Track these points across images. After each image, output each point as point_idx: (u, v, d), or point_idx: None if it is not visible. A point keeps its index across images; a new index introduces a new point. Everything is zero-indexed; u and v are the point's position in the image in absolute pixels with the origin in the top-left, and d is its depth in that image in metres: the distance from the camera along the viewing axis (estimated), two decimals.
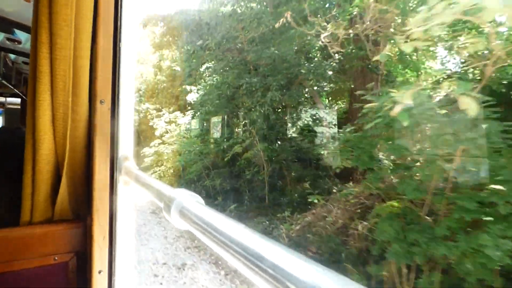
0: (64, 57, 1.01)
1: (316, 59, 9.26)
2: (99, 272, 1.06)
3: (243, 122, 9.77)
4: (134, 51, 1.14)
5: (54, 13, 0.98)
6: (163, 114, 14.26)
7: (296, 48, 8.88)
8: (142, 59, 17.28)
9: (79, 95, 1.06)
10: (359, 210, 5.78)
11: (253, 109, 8.78)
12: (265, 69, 8.59)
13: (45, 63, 1.00)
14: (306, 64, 8.48)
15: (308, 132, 9.01)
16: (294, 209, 7.32)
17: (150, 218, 8.59)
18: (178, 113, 13.64)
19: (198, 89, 12.98)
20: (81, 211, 1.13)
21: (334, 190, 7.18)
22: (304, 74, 8.21)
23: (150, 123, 14.40)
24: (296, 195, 7.87)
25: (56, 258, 1.05)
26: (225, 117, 10.94)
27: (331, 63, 8.20)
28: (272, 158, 8.49)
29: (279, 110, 9.52)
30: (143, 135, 16.80)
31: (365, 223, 5.19)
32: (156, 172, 12.86)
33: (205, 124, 12.43)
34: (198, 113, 12.14)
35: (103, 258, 1.06)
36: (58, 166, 1.07)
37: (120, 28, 1.12)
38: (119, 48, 1.12)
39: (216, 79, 10.55)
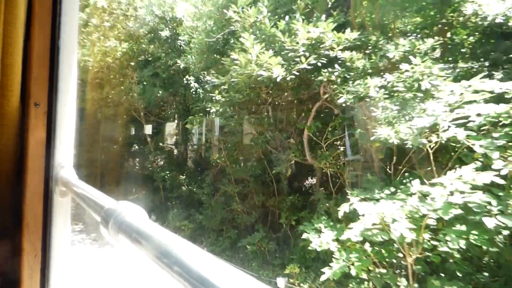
0: None
1: None
2: None
3: None
4: (75, 49, 1.04)
5: None
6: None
7: None
8: None
9: (7, 97, 0.93)
10: None
11: None
12: None
13: None
14: None
15: None
16: None
17: None
18: None
19: None
20: (6, 226, 0.99)
21: None
22: None
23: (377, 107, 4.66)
24: None
25: None
26: None
27: None
28: None
29: None
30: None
31: None
32: None
33: None
34: None
35: (34, 280, 0.94)
36: None
37: (59, 24, 1.01)
38: (58, 46, 1.01)
39: None
